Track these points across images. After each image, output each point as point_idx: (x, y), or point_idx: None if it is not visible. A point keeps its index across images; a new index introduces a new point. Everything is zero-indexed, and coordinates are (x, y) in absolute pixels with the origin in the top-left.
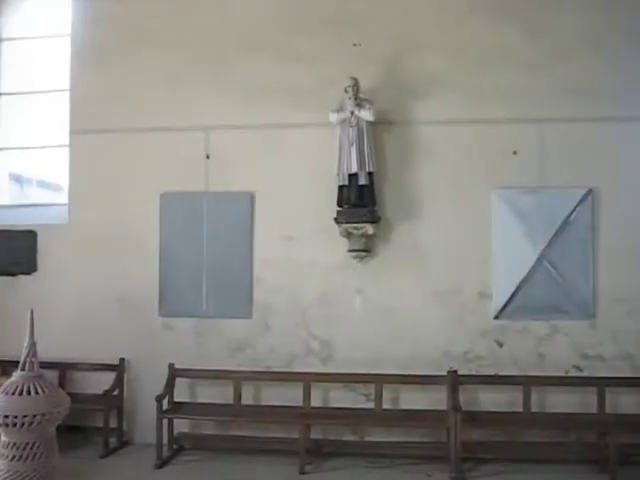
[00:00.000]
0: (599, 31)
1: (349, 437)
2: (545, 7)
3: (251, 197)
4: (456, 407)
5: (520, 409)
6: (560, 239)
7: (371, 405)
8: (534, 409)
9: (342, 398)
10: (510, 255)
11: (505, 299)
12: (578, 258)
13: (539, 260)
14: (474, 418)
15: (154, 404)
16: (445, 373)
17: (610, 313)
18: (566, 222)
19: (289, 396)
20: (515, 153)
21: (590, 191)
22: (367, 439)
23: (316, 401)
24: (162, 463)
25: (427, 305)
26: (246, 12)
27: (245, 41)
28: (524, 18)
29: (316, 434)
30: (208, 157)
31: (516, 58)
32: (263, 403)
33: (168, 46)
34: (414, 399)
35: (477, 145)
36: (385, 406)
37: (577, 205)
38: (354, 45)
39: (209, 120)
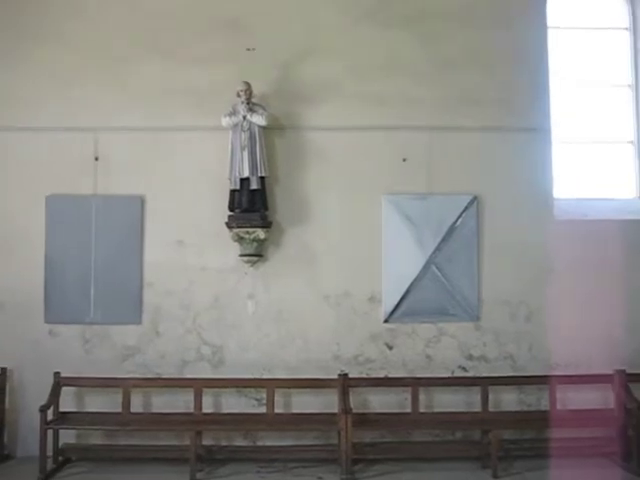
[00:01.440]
0: (485, 46)
1: (241, 442)
2: (435, 20)
3: (141, 200)
4: (346, 409)
5: (409, 410)
6: (447, 244)
7: (263, 410)
8: (422, 409)
9: (234, 403)
10: (399, 260)
11: (394, 303)
12: (464, 263)
13: (427, 265)
14: (364, 420)
15: (38, 415)
16: (336, 376)
17: (493, 315)
18: (453, 228)
19: (180, 403)
20: (405, 160)
21: (475, 198)
22: (259, 444)
23: (207, 407)
24: (46, 477)
25: (318, 309)
26: (139, 13)
27: (139, 42)
28: (415, 29)
29: (208, 440)
30: (97, 159)
31: (407, 67)
32: (153, 410)
33: (58, 45)
34: (306, 403)
35: (368, 151)
36: (277, 410)
37: (463, 211)
38: (248, 49)
39: (98, 121)
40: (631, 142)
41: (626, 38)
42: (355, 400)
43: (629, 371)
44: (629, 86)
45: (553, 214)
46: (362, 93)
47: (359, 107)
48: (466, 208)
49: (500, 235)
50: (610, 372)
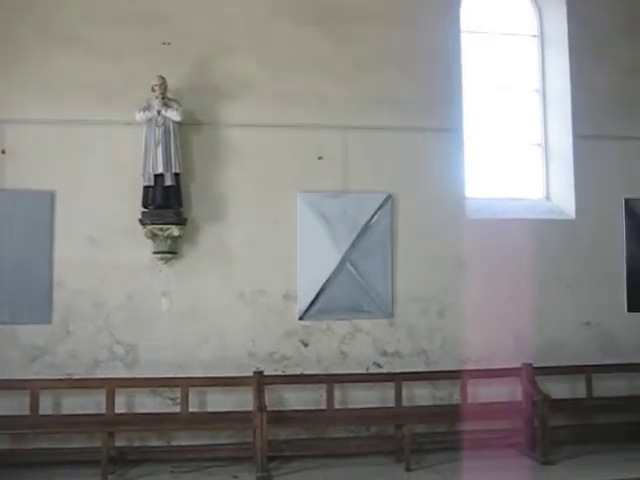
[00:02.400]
0: (400, 47)
1: (155, 443)
2: (350, 19)
3: (51, 196)
4: (261, 407)
5: (324, 406)
6: (362, 242)
7: (177, 409)
8: (337, 406)
9: (148, 403)
10: (315, 257)
11: (310, 300)
12: (378, 260)
13: (342, 262)
14: (280, 417)
15: None
16: (251, 374)
17: (407, 312)
18: (367, 226)
19: (91, 404)
20: (321, 158)
21: (390, 196)
22: (173, 444)
23: (121, 407)
24: None
25: (233, 307)
26: (50, 3)
27: (49, 33)
28: (330, 28)
29: (121, 442)
30: (4, 152)
31: (323, 65)
32: (64, 412)
33: None
34: (221, 401)
35: (284, 149)
36: (192, 409)
37: (378, 210)
38: (163, 44)
39: (4, 113)
40: (539, 145)
41: (535, 45)
42: (271, 398)
43: (536, 365)
44: (537, 91)
45: (465, 213)
46: (278, 90)
47: (275, 104)
48: (381, 206)
49: (414, 233)
50: (518, 366)
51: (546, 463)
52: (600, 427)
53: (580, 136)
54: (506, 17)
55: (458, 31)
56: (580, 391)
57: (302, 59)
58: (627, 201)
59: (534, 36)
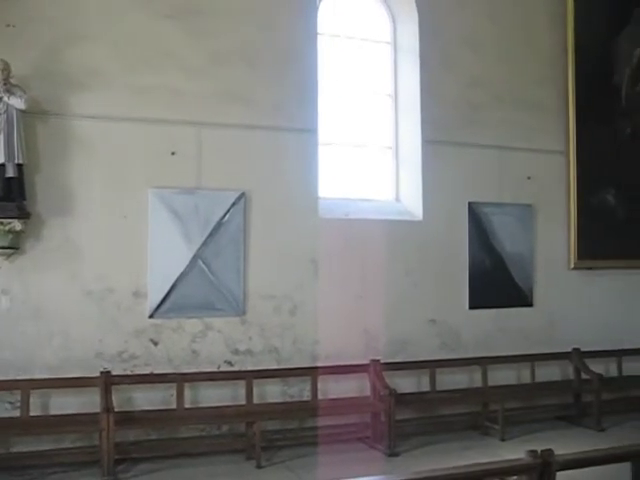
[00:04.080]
0: (258, 46)
1: None
2: (208, 15)
3: None
4: (108, 408)
5: (174, 406)
6: (214, 239)
7: (17, 413)
8: (188, 405)
9: None
10: (166, 254)
11: (160, 298)
12: (231, 258)
13: (194, 260)
14: (128, 418)
15: None
16: (98, 374)
17: (258, 310)
18: (220, 223)
19: None
20: (173, 154)
21: (243, 194)
22: (13, 450)
23: None
24: None
25: (80, 305)
26: None
27: None
28: (189, 21)
29: None
30: None
31: (178, 60)
32: None
33: None
34: (66, 403)
35: (136, 143)
36: (33, 413)
37: (231, 207)
38: (7, 26)
39: None
40: (390, 148)
41: (389, 51)
42: (119, 398)
43: (384, 361)
44: (389, 96)
45: (318, 212)
46: (131, 83)
47: (127, 97)
48: (234, 204)
49: (267, 231)
50: (367, 362)
51: (392, 455)
52: (443, 418)
53: (428, 141)
54: (362, 23)
55: (315, 33)
56: (425, 385)
57: (157, 52)
58: (471, 205)
59: (388, 43)
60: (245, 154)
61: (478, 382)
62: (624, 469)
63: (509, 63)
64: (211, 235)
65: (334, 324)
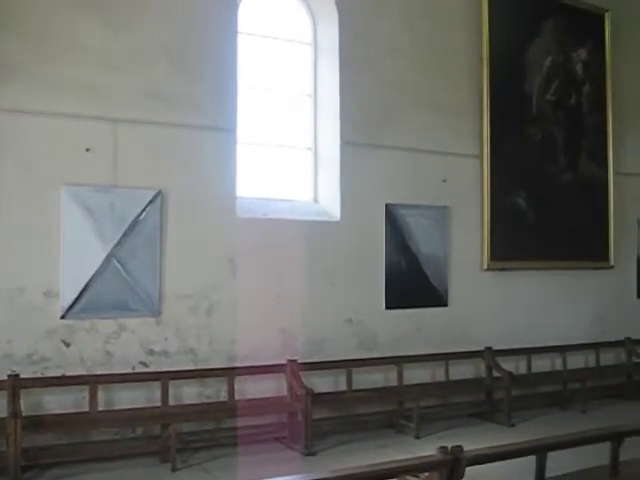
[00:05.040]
0: (178, 42)
1: None
2: (128, 8)
3: None
4: (16, 413)
5: (87, 409)
6: (130, 238)
7: None
8: (102, 407)
9: None
10: (79, 254)
11: (73, 298)
12: (147, 257)
13: (108, 259)
14: (38, 422)
15: None
16: (5, 377)
17: (174, 310)
18: (136, 222)
19: None
20: (88, 150)
21: (160, 193)
22: None
23: None
24: None
25: None
26: None
27: None
28: (107, 14)
29: None
30: None
31: (95, 54)
32: None
33: None
34: None
35: (48, 139)
36: None
37: (147, 205)
38: None
39: None
40: (309, 148)
41: (309, 52)
42: (29, 402)
43: (301, 361)
44: (309, 96)
45: (236, 212)
46: (43, 75)
47: (39, 90)
48: (150, 202)
49: (184, 230)
50: (284, 362)
51: (309, 454)
52: (359, 417)
53: (347, 143)
54: (283, 23)
55: (235, 31)
56: (342, 384)
57: (73, 44)
58: (388, 206)
59: (308, 44)
60: (162, 152)
61: (394, 381)
62: (531, 462)
63: (427, 68)
64: (126, 234)
65: (252, 324)
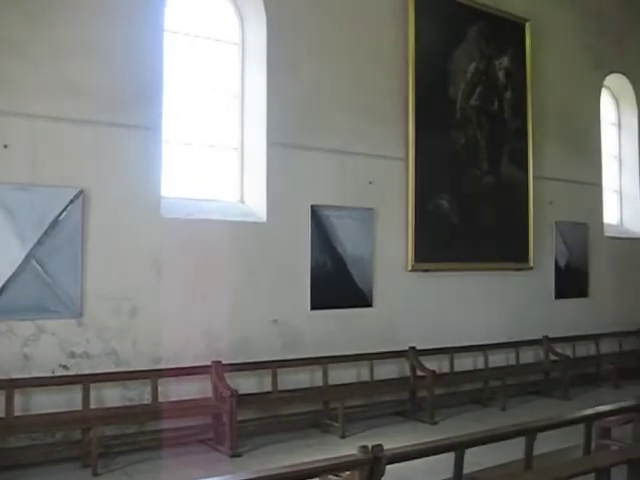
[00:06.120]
0: (101, 37)
1: None
2: (49, 1)
3: None
4: None
5: (3, 414)
6: (50, 238)
7: None
8: (19, 412)
9: None
10: None
11: None
12: (68, 257)
13: (27, 259)
14: None
15: None
16: None
17: (97, 311)
18: (56, 222)
19: None
20: (6, 147)
21: (81, 192)
22: None
23: None
24: None
25: None
26: None
27: None
28: (26, 7)
29: None
30: None
31: (13, 46)
32: None
33: None
34: None
35: None
36: None
37: (68, 205)
38: None
39: None
40: (236, 149)
41: (236, 52)
42: None
43: (227, 362)
44: (236, 96)
45: (160, 212)
46: None
47: None
48: (72, 201)
49: (107, 230)
50: (209, 363)
51: (234, 456)
52: (284, 418)
53: (273, 143)
54: (211, 23)
55: (161, 29)
56: (267, 385)
57: None
58: (313, 207)
59: (236, 44)
60: (84, 150)
61: (319, 381)
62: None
63: (354, 70)
64: (46, 234)
65: (176, 325)
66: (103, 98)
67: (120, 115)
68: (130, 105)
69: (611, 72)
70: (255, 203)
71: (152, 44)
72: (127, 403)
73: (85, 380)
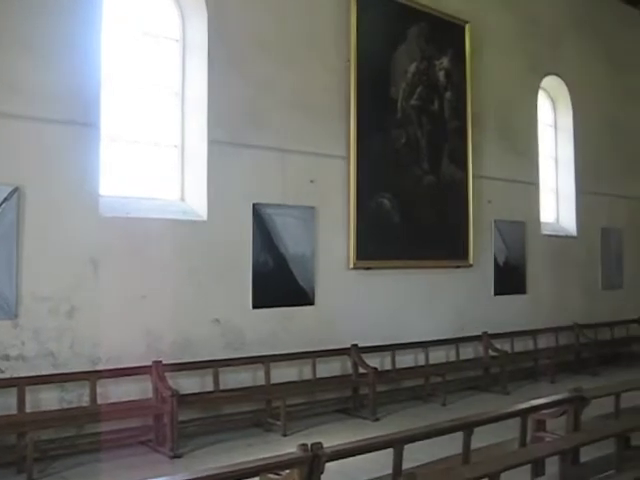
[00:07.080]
0: (35, 30)
1: None
2: None
3: None
4: None
5: None
6: None
7: None
8: None
9: None
10: None
11: None
12: (1, 257)
13: None
14: None
15: None
16: None
17: (32, 312)
18: None
19: None
20: None
21: (16, 189)
22: None
23: None
24: None
25: None
26: None
27: None
28: None
29: None
30: None
31: None
32: None
33: None
34: None
35: None
36: None
37: (2, 203)
38: None
39: None
40: (176, 146)
41: (177, 49)
42: None
43: (168, 362)
44: (177, 94)
45: (99, 211)
46: None
47: None
48: (6, 199)
49: (43, 229)
50: (149, 364)
51: (175, 457)
52: (227, 417)
53: (214, 141)
54: (151, 17)
55: (100, 24)
56: (209, 385)
57: None
58: (255, 206)
59: (177, 40)
60: (19, 147)
61: (261, 380)
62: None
63: (296, 68)
64: None
65: (115, 325)
66: (39, 93)
67: (55, 111)
68: (67, 101)
69: (547, 74)
70: (196, 201)
71: (90, 39)
72: (65, 406)
73: (20, 383)
